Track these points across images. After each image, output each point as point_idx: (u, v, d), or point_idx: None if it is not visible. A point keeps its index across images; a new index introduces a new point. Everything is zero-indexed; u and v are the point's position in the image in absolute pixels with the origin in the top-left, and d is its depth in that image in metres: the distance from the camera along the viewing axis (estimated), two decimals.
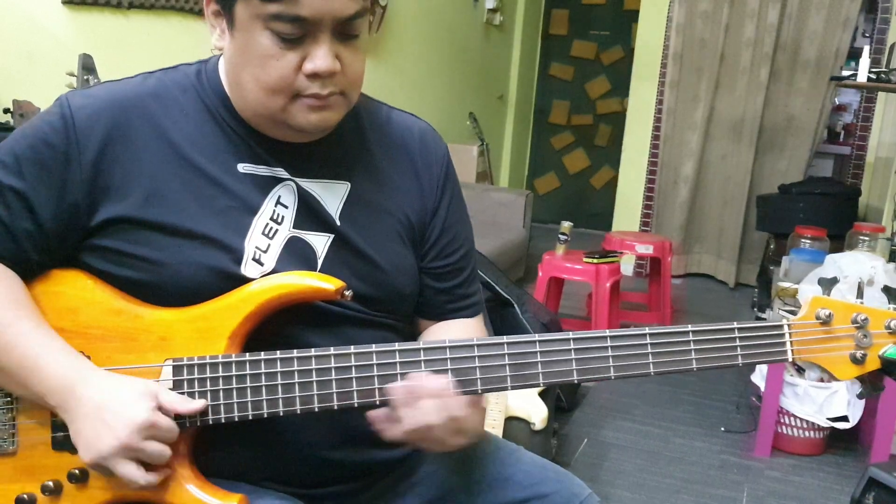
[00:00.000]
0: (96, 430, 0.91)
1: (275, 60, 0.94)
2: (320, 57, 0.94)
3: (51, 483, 0.98)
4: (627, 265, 5.13)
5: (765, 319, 3.64)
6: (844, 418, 2.73)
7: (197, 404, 0.96)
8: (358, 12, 0.95)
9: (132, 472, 0.92)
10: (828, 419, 2.75)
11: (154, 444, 0.92)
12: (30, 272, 1.01)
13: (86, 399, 0.93)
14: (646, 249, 4.14)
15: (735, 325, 0.99)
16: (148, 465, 0.93)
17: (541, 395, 2.37)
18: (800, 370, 2.82)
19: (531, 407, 2.29)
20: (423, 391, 0.94)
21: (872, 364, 1.00)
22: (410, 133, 1.15)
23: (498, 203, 4.61)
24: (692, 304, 4.79)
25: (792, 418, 2.83)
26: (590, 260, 3.64)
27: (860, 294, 1.02)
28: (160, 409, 0.93)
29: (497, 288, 2.91)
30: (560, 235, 3.80)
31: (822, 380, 2.75)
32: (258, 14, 0.92)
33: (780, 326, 0.99)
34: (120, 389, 0.93)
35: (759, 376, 2.98)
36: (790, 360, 1.00)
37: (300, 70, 0.94)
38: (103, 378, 0.95)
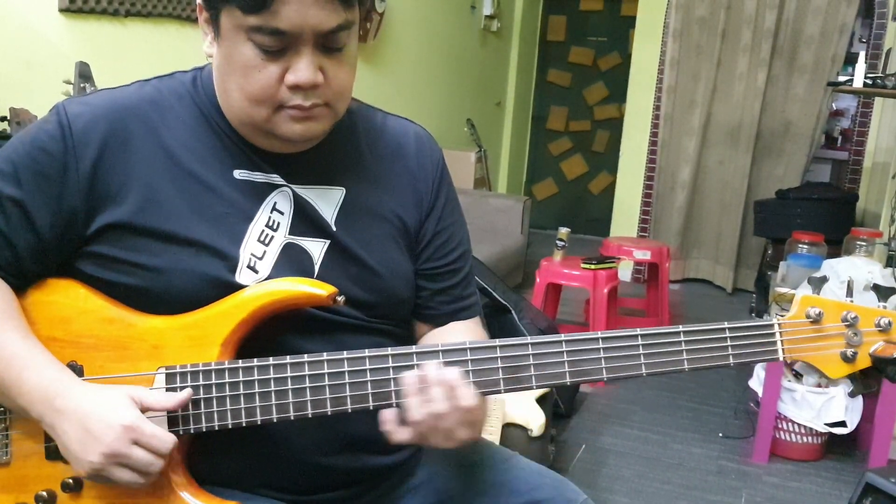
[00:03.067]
0: (82, 441, 0.91)
1: (257, 71, 0.94)
2: (301, 69, 0.94)
3: (45, 493, 0.97)
4: (625, 271, 5.13)
5: None
6: (842, 423, 2.73)
7: (182, 395, 0.95)
8: (340, 25, 0.94)
9: (128, 476, 0.91)
10: (826, 424, 2.75)
11: (140, 451, 0.91)
12: (26, 281, 1.01)
13: (68, 412, 0.92)
14: (643, 255, 4.14)
15: (726, 324, 0.99)
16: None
17: (539, 401, 2.36)
18: (797, 375, 2.81)
19: (529, 413, 2.29)
20: (434, 379, 0.93)
21: (863, 362, 1.00)
22: (406, 138, 1.15)
23: (496, 209, 4.62)
24: (690, 310, 4.79)
25: (790, 424, 2.83)
26: (587, 266, 3.64)
27: (850, 293, 1.02)
28: (147, 411, 0.93)
29: (494, 294, 2.91)
30: (558, 241, 3.79)
31: (819, 385, 2.75)
32: (240, 25, 0.93)
33: (771, 326, 1.00)
34: (102, 398, 0.92)
35: (757, 381, 2.97)
36: (781, 359, 1.00)
37: (282, 81, 0.95)
38: (84, 389, 0.94)
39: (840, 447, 2.90)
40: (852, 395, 2.63)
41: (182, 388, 0.96)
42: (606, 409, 3.23)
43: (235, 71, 0.95)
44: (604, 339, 0.97)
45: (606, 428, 3.06)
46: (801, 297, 1.01)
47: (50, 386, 0.93)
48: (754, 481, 2.72)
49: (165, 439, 0.92)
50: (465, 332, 1.16)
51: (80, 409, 0.91)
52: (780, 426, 2.86)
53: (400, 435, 0.95)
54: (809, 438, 2.84)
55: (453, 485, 1.15)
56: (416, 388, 0.94)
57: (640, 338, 0.97)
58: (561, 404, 3.02)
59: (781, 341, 0.99)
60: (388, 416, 0.96)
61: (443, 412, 0.92)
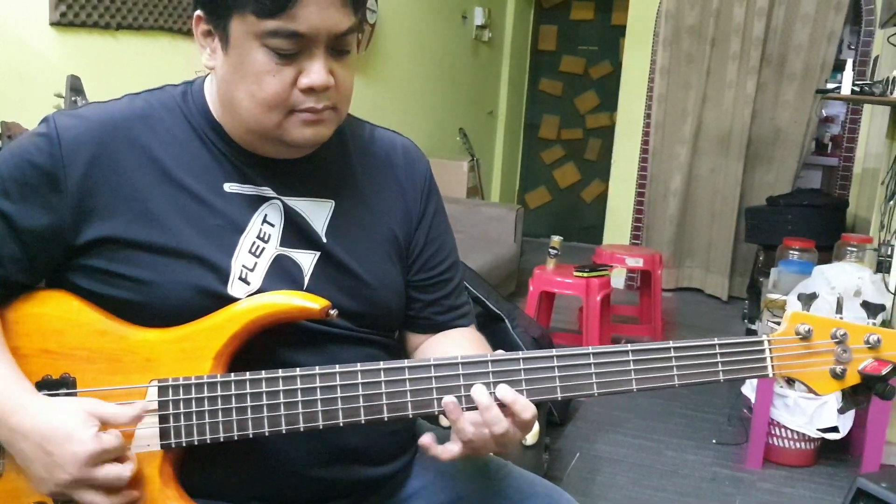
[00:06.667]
0: (46, 466, 0.90)
1: (270, 76, 0.95)
2: (316, 71, 0.95)
3: None
4: (618, 278, 5.14)
5: (755, 331, 3.64)
6: (835, 429, 2.74)
7: (136, 409, 0.94)
8: (351, 27, 0.97)
9: (95, 499, 0.91)
10: (818, 430, 2.76)
11: (108, 468, 0.91)
12: (14, 292, 1.01)
13: (24, 431, 0.91)
14: (636, 262, 4.15)
15: (716, 340, 1.00)
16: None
17: None
18: (790, 381, 2.82)
19: None
20: (487, 403, 0.95)
21: (852, 379, 1.00)
22: (394, 149, 1.17)
23: (488, 218, 4.62)
24: (684, 317, 4.80)
25: (783, 430, 2.84)
26: (580, 274, 3.65)
27: (839, 309, 1.03)
28: (105, 423, 0.92)
29: (488, 303, 2.91)
30: (550, 250, 3.80)
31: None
32: (253, 31, 0.93)
33: (761, 342, 1.00)
34: (58, 418, 0.91)
35: (750, 388, 2.98)
36: (770, 375, 1.01)
37: (295, 85, 0.96)
38: (40, 407, 0.93)
39: (833, 453, 2.91)
40: (841, 412, 2.64)
41: (175, 403, 0.96)
42: (600, 417, 3.24)
43: (246, 78, 0.96)
44: (595, 354, 0.98)
45: (600, 436, 3.07)
46: (791, 314, 1.01)
47: (5, 402, 0.93)
48: (748, 487, 2.73)
49: (123, 443, 0.92)
50: (465, 338, 1.16)
51: (38, 429, 0.91)
52: (773, 432, 2.87)
53: (449, 452, 0.97)
54: (802, 444, 2.85)
55: (446, 495, 1.15)
56: (459, 410, 0.95)
57: (630, 353, 0.98)
58: (555, 412, 3.02)
59: (771, 358, 1.00)
60: (427, 441, 0.97)
61: (505, 431, 0.94)
